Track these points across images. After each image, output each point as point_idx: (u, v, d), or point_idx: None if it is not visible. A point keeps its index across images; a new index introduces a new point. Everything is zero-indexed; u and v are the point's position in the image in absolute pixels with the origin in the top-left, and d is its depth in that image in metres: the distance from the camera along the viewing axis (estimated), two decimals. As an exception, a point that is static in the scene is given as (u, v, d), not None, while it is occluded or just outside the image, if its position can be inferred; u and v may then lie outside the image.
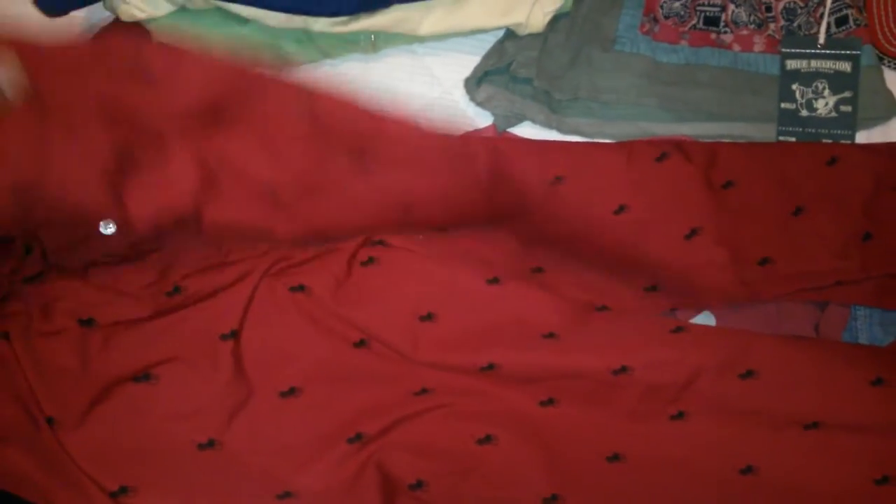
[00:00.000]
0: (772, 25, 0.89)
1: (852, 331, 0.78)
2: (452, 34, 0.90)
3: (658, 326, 0.76)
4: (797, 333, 0.78)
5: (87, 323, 0.70)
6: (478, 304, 0.75)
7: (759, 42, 0.89)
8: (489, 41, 0.92)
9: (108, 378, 0.68)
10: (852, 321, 0.79)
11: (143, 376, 0.68)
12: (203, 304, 0.71)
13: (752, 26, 0.89)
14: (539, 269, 0.80)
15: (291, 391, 0.70)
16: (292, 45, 0.88)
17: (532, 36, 0.89)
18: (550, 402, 0.73)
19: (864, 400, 0.72)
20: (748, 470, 0.71)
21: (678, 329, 0.75)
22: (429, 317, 0.74)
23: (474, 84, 0.90)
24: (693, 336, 0.75)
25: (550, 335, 0.75)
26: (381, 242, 0.76)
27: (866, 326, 0.78)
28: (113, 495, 0.65)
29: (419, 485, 0.70)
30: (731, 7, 0.89)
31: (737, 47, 0.90)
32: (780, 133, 0.87)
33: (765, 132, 0.87)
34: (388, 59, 0.93)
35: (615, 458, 0.72)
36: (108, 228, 0.72)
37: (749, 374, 0.73)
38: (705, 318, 0.80)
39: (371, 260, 0.75)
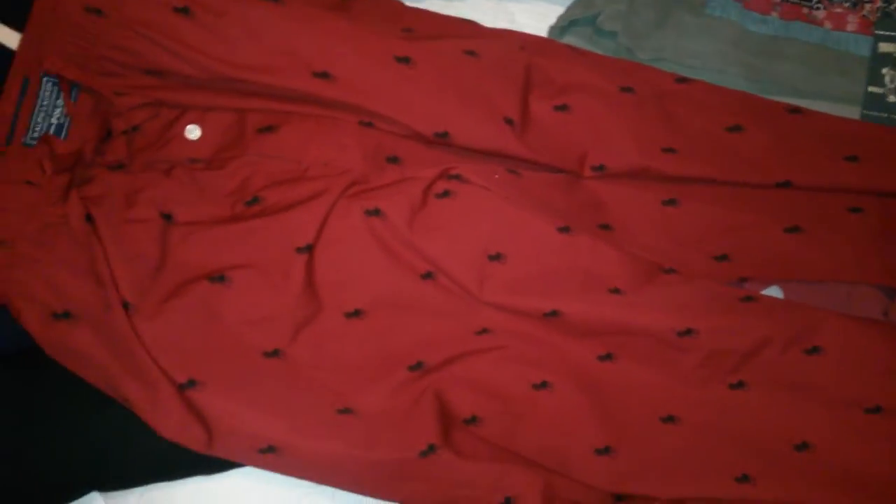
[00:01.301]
0: (867, 6, 0.87)
1: (921, 320, 0.77)
2: (543, -20, 0.88)
3: (727, 294, 0.75)
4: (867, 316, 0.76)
5: (167, 218, 0.69)
6: (547, 249, 0.74)
7: (852, 21, 0.87)
8: (574, -9, 0.91)
9: (186, 274, 0.67)
10: (922, 310, 0.77)
11: (218, 277, 0.67)
12: (281, 216, 0.70)
13: (847, 4, 0.87)
14: (607, 227, 0.79)
15: (356, 312, 0.69)
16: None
17: (621, -10, 0.87)
18: (609, 356, 0.72)
19: None
20: (803, 446, 0.70)
21: (747, 298, 0.74)
22: (497, 257, 0.73)
23: (558, 33, 0.89)
24: (762, 306, 0.74)
25: (616, 290, 0.74)
26: (457, 177, 0.74)
27: (936, 317, 0.77)
28: (180, 387, 0.65)
29: (474, 420, 0.69)
30: (828, -17, 0.88)
31: (828, 24, 0.88)
32: (864, 117, 0.85)
33: (849, 114, 0.85)
34: (471, 1, 0.92)
35: (669, 419, 0.71)
36: (194, 133, 0.71)
37: (815, 350, 0.72)
38: (773, 293, 0.79)
39: (446, 193, 0.74)
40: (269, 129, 0.74)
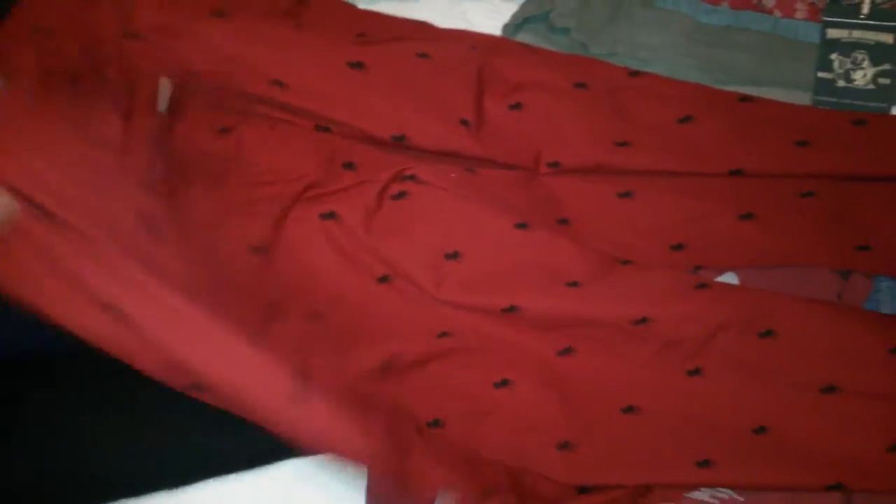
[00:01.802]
0: (815, -7, 0.88)
1: (874, 301, 0.78)
2: (494, -21, 0.89)
3: (682, 282, 0.76)
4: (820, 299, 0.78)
5: None
6: (504, 246, 0.75)
7: (800, 9, 0.89)
8: (526, -10, 0.92)
9: None
10: (875, 292, 0.78)
11: None
12: (234, 217, 0.71)
13: (796, -8, 0.88)
14: (565, 221, 0.80)
15: (316, 315, 0.70)
16: (332, -21, 0.87)
17: (573, -14, 0.88)
18: (568, 350, 0.74)
19: (882, 367, 0.72)
20: (761, 430, 0.71)
21: (701, 286, 0.75)
22: (454, 255, 0.74)
23: (512, 31, 0.89)
24: (716, 293, 0.75)
25: (574, 284, 0.75)
26: (412, 178, 0.75)
27: (889, 297, 0.78)
28: None
29: (436, 423, 0.70)
30: (776, -28, 0.89)
31: (778, 13, 0.89)
32: (815, 102, 0.87)
33: (800, 100, 0.87)
34: (426, 1, 0.93)
35: (630, 409, 0.72)
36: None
37: (769, 333, 0.73)
38: (729, 279, 0.80)
39: (402, 194, 0.75)
40: (224, 130, 0.75)
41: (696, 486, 0.71)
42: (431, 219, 0.75)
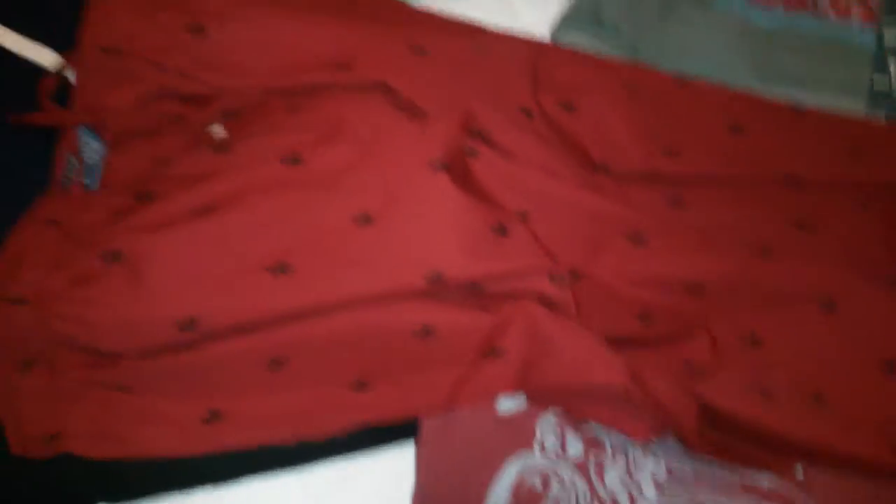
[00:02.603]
0: (872, -4, 0.87)
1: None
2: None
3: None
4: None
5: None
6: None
7: (856, 12, 0.87)
8: (575, -15, 0.90)
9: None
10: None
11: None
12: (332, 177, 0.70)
13: (852, -5, 0.86)
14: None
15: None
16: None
17: (625, -17, 0.86)
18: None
19: None
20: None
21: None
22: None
23: (560, 27, 0.87)
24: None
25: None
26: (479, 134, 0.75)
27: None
28: None
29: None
30: (831, -27, 0.87)
31: (833, 15, 0.87)
32: (869, 109, 0.85)
33: (854, 106, 0.85)
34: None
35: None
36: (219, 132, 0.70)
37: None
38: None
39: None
40: (295, 109, 0.73)
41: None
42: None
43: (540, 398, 0.70)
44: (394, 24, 0.76)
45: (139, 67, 0.70)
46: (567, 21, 0.87)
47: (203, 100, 0.72)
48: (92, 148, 0.72)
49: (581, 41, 0.87)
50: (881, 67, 0.85)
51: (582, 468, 0.69)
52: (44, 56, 0.76)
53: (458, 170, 0.71)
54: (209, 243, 0.64)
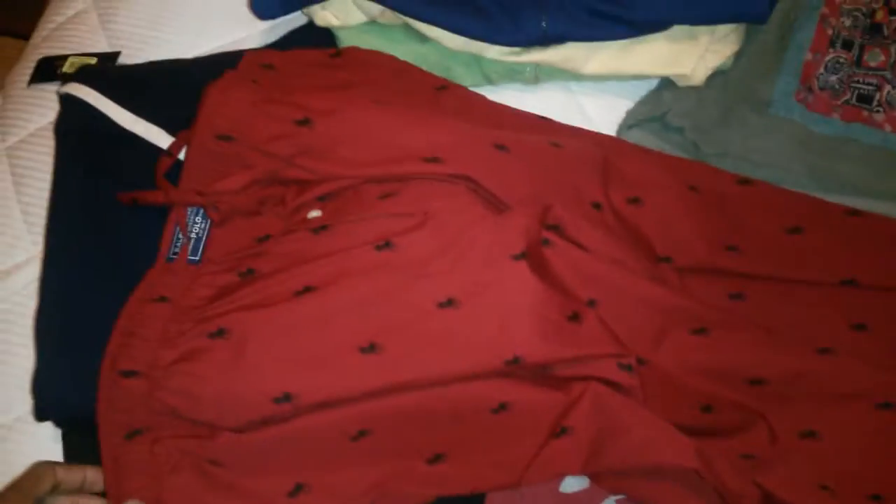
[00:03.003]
0: (925, 110, 0.91)
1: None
2: (613, 77, 0.93)
3: None
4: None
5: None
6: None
7: (911, 125, 0.91)
8: (640, 86, 0.96)
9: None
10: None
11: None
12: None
13: (906, 108, 0.91)
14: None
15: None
16: (461, 67, 0.92)
17: (690, 88, 0.92)
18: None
19: None
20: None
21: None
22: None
23: (626, 128, 0.93)
24: None
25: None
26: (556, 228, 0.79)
27: None
28: None
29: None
30: (887, 88, 0.91)
31: (888, 127, 0.91)
32: (923, 217, 0.89)
33: (909, 214, 0.89)
34: (544, 92, 0.97)
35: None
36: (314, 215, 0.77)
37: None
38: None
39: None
40: (387, 195, 0.78)
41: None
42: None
43: (604, 479, 0.73)
44: (478, 122, 0.82)
45: (249, 155, 0.77)
46: (632, 119, 0.93)
47: (303, 184, 0.78)
48: (199, 225, 0.78)
49: (646, 140, 0.92)
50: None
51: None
52: (160, 137, 0.83)
53: (535, 259, 0.76)
54: (307, 322, 0.69)
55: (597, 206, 0.81)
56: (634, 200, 0.83)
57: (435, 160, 0.78)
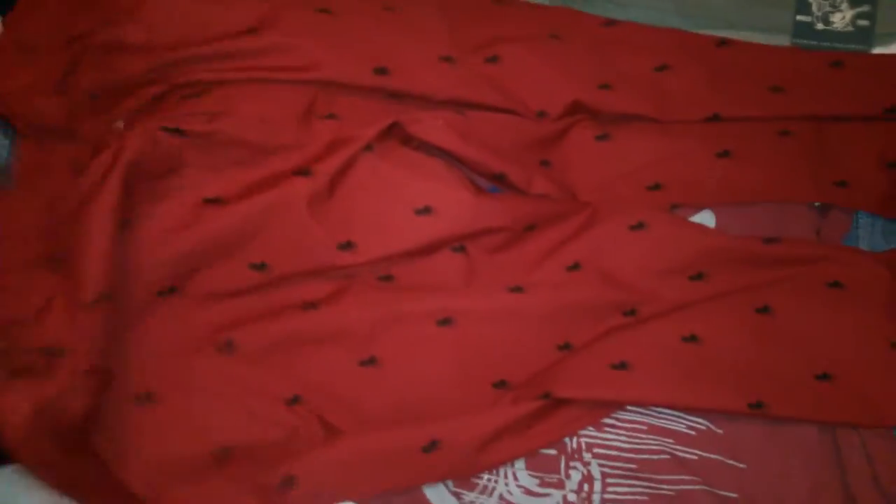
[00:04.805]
0: (793, -64, 0.88)
1: (853, 237, 0.78)
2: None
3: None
4: (798, 236, 0.77)
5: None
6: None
7: (778, -46, 0.88)
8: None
9: None
10: (854, 228, 0.78)
11: None
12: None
13: (774, -64, 0.88)
14: (546, 163, 0.80)
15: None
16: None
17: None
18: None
19: None
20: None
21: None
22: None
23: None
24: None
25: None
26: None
27: (868, 233, 0.78)
28: None
29: None
30: (755, -83, 0.88)
31: (756, -42, 0.88)
32: (793, 46, 0.86)
33: (779, 44, 0.86)
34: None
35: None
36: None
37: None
38: (706, 217, 0.79)
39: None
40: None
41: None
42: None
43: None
44: None
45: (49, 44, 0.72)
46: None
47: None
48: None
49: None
50: (803, 5, 0.86)
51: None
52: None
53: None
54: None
55: (447, 59, 0.77)
56: (493, 59, 0.79)
57: (252, 31, 0.74)
